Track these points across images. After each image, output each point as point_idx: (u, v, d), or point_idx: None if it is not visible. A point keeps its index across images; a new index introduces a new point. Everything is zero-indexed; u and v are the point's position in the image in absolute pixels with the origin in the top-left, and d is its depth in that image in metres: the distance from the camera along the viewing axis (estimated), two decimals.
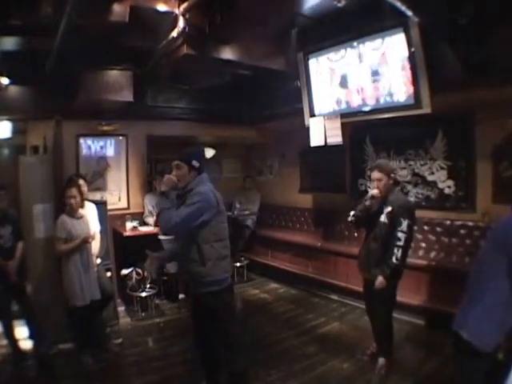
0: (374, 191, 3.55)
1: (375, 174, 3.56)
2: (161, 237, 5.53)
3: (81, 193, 3.99)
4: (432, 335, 4.22)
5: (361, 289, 3.94)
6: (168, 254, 3.39)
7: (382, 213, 3.52)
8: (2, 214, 3.89)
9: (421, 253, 4.92)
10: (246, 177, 7.81)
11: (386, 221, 3.48)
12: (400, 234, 3.34)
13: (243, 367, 3.03)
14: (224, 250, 2.94)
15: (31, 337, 4.00)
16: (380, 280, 3.38)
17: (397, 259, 3.32)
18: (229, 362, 2.98)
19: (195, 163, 2.93)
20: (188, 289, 3.17)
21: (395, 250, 3.33)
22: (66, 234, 3.76)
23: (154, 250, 5.40)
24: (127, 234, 5.28)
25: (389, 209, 3.47)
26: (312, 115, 5.02)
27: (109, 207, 5.19)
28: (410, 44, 3.85)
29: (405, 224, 3.34)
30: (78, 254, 3.80)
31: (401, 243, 3.33)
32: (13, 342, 3.93)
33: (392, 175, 3.58)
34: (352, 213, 3.72)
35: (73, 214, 3.88)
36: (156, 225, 5.49)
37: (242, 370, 3.00)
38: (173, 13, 3.83)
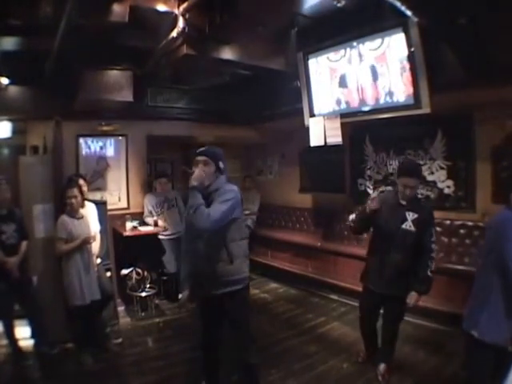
0: (373, 204, 3.20)
1: (410, 181, 3.15)
2: (161, 236, 5.55)
3: (81, 193, 4.00)
4: (431, 334, 4.23)
5: (360, 288, 3.89)
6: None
7: (404, 220, 3.18)
8: (7, 212, 3.89)
9: None
10: (246, 177, 7.81)
11: (412, 229, 3.16)
12: (433, 246, 3.15)
13: (258, 361, 3.03)
14: (247, 248, 3.00)
15: (32, 336, 4.00)
16: (414, 298, 3.14)
17: (432, 272, 3.12)
18: (248, 354, 2.94)
19: (221, 164, 2.96)
20: (196, 288, 3.05)
21: (429, 263, 3.12)
22: (67, 234, 3.77)
23: (154, 250, 5.47)
24: (127, 233, 5.27)
25: (415, 216, 3.17)
26: (312, 115, 5.02)
27: (109, 207, 5.20)
28: (409, 44, 3.85)
29: (434, 233, 3.18)
30: (79, 255, 3.81)
31: (433, 254, 3.15)
32: (13, 341, 3.93)
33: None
34: (351, 217, 3.47)
35: (73, 214, 3.89)
36: (156, 225, 5.51)
37: (258, 361, 3.02)
38: (172, 13, 3.83)
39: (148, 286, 5.37)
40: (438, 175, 4.96)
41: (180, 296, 5.64)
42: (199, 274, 2.93)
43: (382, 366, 3.42)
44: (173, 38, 4.00)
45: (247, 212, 7.00)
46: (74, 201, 3.86)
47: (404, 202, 3.22)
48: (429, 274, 3.10)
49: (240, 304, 2.91)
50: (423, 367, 3.61)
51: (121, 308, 5.19)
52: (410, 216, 3.16)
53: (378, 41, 4.15)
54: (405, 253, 3.16)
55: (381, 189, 3.50)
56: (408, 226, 3.16)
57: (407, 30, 3.81)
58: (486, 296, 2.21)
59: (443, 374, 3.47)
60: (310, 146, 5.01)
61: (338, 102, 4.77)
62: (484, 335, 2.17)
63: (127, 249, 5.27)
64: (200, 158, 2.91)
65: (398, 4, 3.24)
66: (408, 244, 3.15)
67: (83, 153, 5.85)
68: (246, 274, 2.93)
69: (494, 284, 2.18)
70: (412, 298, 3.14)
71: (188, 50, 4.20)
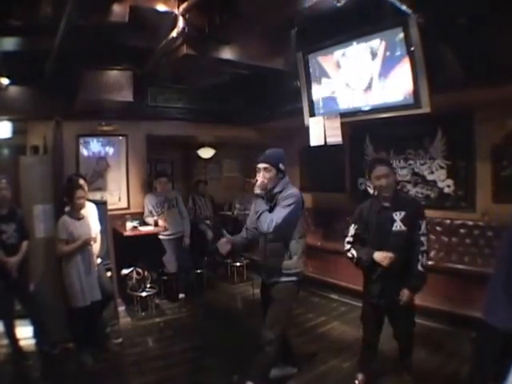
0: (385, 261, 2.95)
1: (382, 170, 3.05)
2: (161, 236, 5.55)
3: (85, 193, 4.03)
4: (431, 333, 4.23)
5: (360, 288, 3.86)
6: (240, 241, 3.45)
7: (393, 221, 3.00)
8: (8, 211, 3.90)
9: None
10: (246, 177, 7.81)
11: (402, 228, 2.98)
12: (422, 238, 2.96)
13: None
14: (305, 245, 3.21)
15: (33, 336, 4.01)
16: (407, 295, 2.93)
17: (423, 266, 2.93)
18: (267, 339, 3.06)
19: (282, 166, 3.14)
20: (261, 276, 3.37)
21: (420, 257, 2.94)
22: (68, 235, 3.78)
23: (155, 250, 5.47)
24: (127, 233, 5.28)
25: (402, 214, 2.99)
26: (312, 115, 5.02)
27: (109, 207, 5.19)
28: (409, 43, 3.85)
29: (423, 226, 2.99)
30: (80, 256, 3.82)
31: (424, 247, 2.96)
32: (14, 341, 3.94)
33: (395, 172, 3.24)
34: (348, 247, 3.22)
35: (74, 214, 3.89)
36: (156, 224, 5.51)
37: (272, 350, 3.09)
38: (172, 13, 3.83)
39: (148, 285, 5.37)
40: (437, 174, 4.96)
41: (180, 296, 5.70)
42: (263, 265, 3.26)
43: (405, 375, 3.24)
44: (173, 37, 3.99)
45: (247, 212, 7.01)
46: (82, 201, 3.91)
47: (387, 204, 3.05)
48: (420, 268, 2.92)
49: (288, 291, 3.12)
50: (423, 367, 3.60)
51: (121, 308, 5.18)
52: (398, 216, 2.99)
53: (378, 40, 4.14)
54: (402, 255, 2.95)
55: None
56: (398, 226, 2.99)
57: (407, 29, 3.81)
58: (506, 291, 2.24)
59: (443, 374, 3.47)
60: (310, 146, 5.01)
61: (338, 102, 4.77)
62: (500, 322, 2.20)
63: (127, 249, 5.26)
64: (261, 165, 3.12)
65: (398, 3, 3.24)
66: (401, 245, 2.97)
67: (83, 153, 5.86)
68: (302, 268, 3.18)
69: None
70: (403, 294, 2.93)
71: (188, 50, 4.19)
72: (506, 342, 2.17)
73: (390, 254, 2.93)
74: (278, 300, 3.12)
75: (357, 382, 3.33)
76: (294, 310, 5.22)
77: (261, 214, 2.96)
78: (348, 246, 3.22)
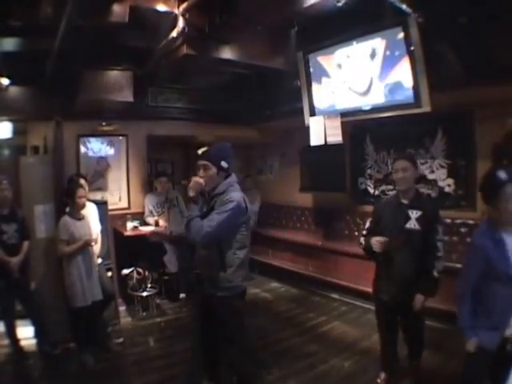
0: (376, 247, 2.96)
1: (402, 163, 3.02)
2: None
3: (86, 192, 4.04)
4: (432, 333, 4.22)
5: (361, 287, 3.87)
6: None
7: (408, 218, 2.97)
8: (9, 212, 3.90)
9: None
10: (246, 176, 7.82)
11: (417, 227, 2.94)
12: (439, 244, 2.90)
13: (253, 369, 3.00)
14: (245, 257, 2.81)
15: (34, 336, 4.01)
16: (420, 300, 2.93)
17: (439, 272, 2.89)
18: (238, 364, 2.92)
19: (224, 164, 2.73)
20: (196, 286, 3.03)
21: (436, 263, 2.89)
22: (68, 235, 3.77)
23: (155, 250, 5.47)
24: (128, 233, 5.28)
25: (419, 213, 2.94)
26: (312, 114, 5.02)
27: (109, 207, 5.19)
28: (409, 43, 3.85)
29: (440, 230, 2.93)
30: (81, 256, 3.82)
31: (440, 253, 2.90)
32: (15, 341, 3.94)
33: (417, 169, 3.15)
34: (361, 239, 3.20)
35: (75, 214, 3.90)
36: (157, 224, 5.52)
37: (252, 372, 2.97)
38: (172, 13, 3.84)
39: (149, 285, 5.37)
40: (438, 174, 4.96)
41: (181, 296, 5.71)
42: (198, 273, 2.94)
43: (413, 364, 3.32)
44: (173, 37, 4.00)
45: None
46: (83, 201, 3.92)
47: (406, 201, 3.02)
48: (435, 274, 2.89)
49: (229, 311, 2.79)
50: (424, 366, 3.60)
51: (122, 308, 5.18)
52: (414, 214, 2.95)
53: (378, 40, 4.15)
54: (412, 254, 2.94)
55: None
56: (412, 224, 2.94)
57: (407, 28, 3.81)
58: None
59: (444, 373, 3.47)
60: (310, 146, 5.01)
61: (339, 101, 4.77)
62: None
63: (128, 249, 5.27)
64: (199, 162, 2.77)
65: (398, 3, 3.24)
66: (415, 244, 2.94)
67: (84, 153, 5.86)
68: (236, 283, 2.76)
69: None
70: (418, 300, 2.93)
71: (188, 50, 4.20)
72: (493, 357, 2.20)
73: (382, 239, 2.92)
74: (227, 330, 2.84)
75: (379, 380, 3.30)
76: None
77: (189, 220, 2.66)
78: (361, 239, 3.20)
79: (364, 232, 3.23)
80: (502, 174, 2.15)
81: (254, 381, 3.00)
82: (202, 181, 2.71)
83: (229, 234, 2.69)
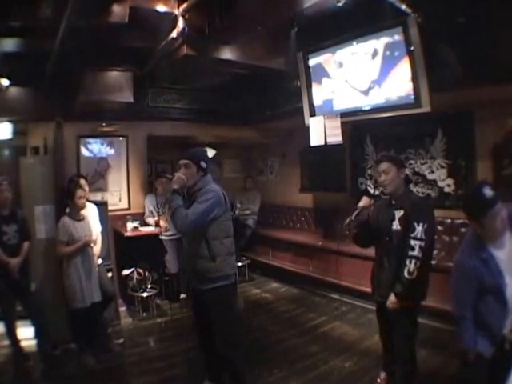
0: (361, 203, 3.05)
1: (382, 165, 3.00)
2: (162, 237, 5.55)
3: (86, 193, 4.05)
4: (433, 333, 4.22)
5: (361, 287, 3.89)
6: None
7: (393, 219, 2.90)
8: (9, 212, 3.90)
9: None
10: (247, 177, 7.83)
11: (398, 228, 2.86)
12: (413, 242, 2.71)
13: (242, 365, 3.06)
14: (231, 246, 3.03)
15: (34, 337, 4.01)
16: (391, 300, 2.83)
17: (410, 273, 2.70)
18: (229, 358, 3.00)
19: (203, 164, 3.04)
20: (189, 287, 3.19)
21: (407, 262, 2.71)
22: (68, 236, 3.78)
23: (155, 251, 5.47)
24: (128, 234, 5.28)
25: (401, 213, 2.86)
26: (312, 114, 5.02)
27: (110, 208, 5.21)
28: (409, 43, 3.85)
29: (419, 229, 2.71)
30: (80, 257, 3.82)
31: (414, 253, 2.70)
32: (15, 341, 3.94)
33: (402, 169, 3.03)
34: (347, 221, 3.11)
35: (75, 215, 3.90)
36: (157, 225, 5.51)
37: (241, 368, 3.04)
38: (172, 13, 3.84)
39: (149, 286, 5.37)
40: (438, 174, 4.96)
41: (181, 296, 5.71)
42: (188, 269, 3.09)
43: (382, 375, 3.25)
44: (173, 38, 4.00)
45: (248, 212, 7.03)
46: (83, 201, 3.94)
47: (393, 201, 2.98)
48: (406, 275, 2.71)
49: (220, 301, 2.95)
50: (425, 366, 3.60)
51: (122, 308, 5.19)
52: (397, 214, 2.88)
53: (378, 40, 4.14)
54: (393, 256, 2.86)
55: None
56: (396, 225, 2.87)
57: (407, 29, 3.81)
58: None
59: (445, 374, 3.46)
60: (310, 146, 5.01)
61: (338, 102, 4.77)
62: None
63: (128, 249, 5.27)
64: (181, 161, 3.04)
65: (398, 3, 3.24)
66: (395, 246, 2.85)
67: (84, 154, 5.86)
68: (228, 271, 2.97)
69: None
70: (390, 301, 2.83)
71: (188, 51, 4.20)
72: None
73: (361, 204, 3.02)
74: (216, 321, 2.98)
75: (378, 380, 3.29)
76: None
77: (175, 209, 2.87)
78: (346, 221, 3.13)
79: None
80: (489, 192, 2.15)
81: (244, 375, 3.05)
82: (184, 177, 2.97)
83: (212, 223, 2.90)
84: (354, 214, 3.05)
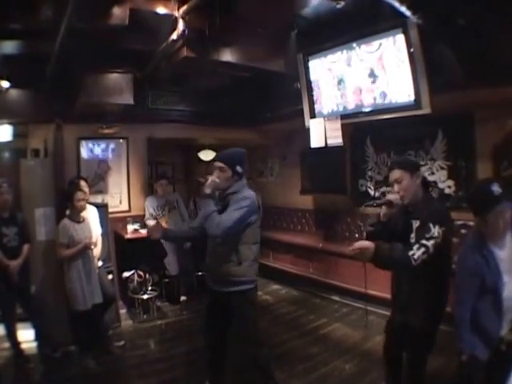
0: (391, 196, 2.59)
1: (393, 174, 2.58)
2: (162, 239, 5.54)
3: (86, 195, 4.05)
4: None
5: (361, 289, 3.86)
6: (182, 232, 3.41)
7: (411, 231, 2.49)
8: (9, 215, 3.90)
9: None
10: (247, 178, 7.81)
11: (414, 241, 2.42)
12: (424, 241, 2.24)
13: (269, 361, 3.07)
14: (258, 252, 3.01)
15: (34, 339, 4.00)
16: (359, 242, 2.41)
17: (414, 259, 2.19)
18: (256, 356, 2.98)
19: (239, 169, 2.93)
20: (206, 287, 3.13)
21: (415, 247, 2.23)
22: (68, 238, 3.77)
23: (156, 253, 5.46)
24: (128, 236, 5.29)
25: (417, 224, 2.46)
26: (312, 116, 5.03)
27: (110, 210, 5.20)
28: (409, 45, 3.85)
29: (435, 230, 2.26)
30: (81, 259, 3.82)
31: (428, 243, 2.23)
32: (15, 344, 3.93)
33: (417, 173, 2.58)
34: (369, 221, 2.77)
35: (75, 217, 3.90)
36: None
37: (268, 364, 3.04)
38: (172, 15, 3.85)
39: (150, 288, 5.36)
40: (438, 175, 4.95)
41: (182, 298, 5.69)
42: (210, 271, 3.03)
43: None
44: (173, 40, 4.01)
45: None
46: (83, 203, 3.92)
47: (410, 209, 2.58)
48: (409, 253, 2.22)
49: (246, 304, 2.95)
50: (426, 367, 3.59)
51: (122, 310, 5.18)
52: (414, 225, 2.49)
53: (378, 42, 4.15)
54: (416, 272, 2.36)
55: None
56: (413, 238, 2.45)
57: (406, 30, 3.82)
58: None
59: (445, 375, 3.45)
60: (310, 148, 5.02)
61: (339, 103, 4.77)
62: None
63: (128, 251, 5.27)
64: (216, 163, 2.95)
65: (398, 5, 3.24)
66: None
67: (84, 156, 5.86)
68: (252, 277, 2.98)
69: None
70: (359, 242, 2.41)
71: (188, 53, 4.21)
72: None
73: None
74: (243, 321, 2.97)
75: None
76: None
77: (209, 215, 2.80)
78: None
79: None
80: (497, 189, 2.12)
81: (270, 371, 3.03)
82: (217, 180, 2.89)
83: (244, 230, 2.85)
84: (378, 202, 2.70)
